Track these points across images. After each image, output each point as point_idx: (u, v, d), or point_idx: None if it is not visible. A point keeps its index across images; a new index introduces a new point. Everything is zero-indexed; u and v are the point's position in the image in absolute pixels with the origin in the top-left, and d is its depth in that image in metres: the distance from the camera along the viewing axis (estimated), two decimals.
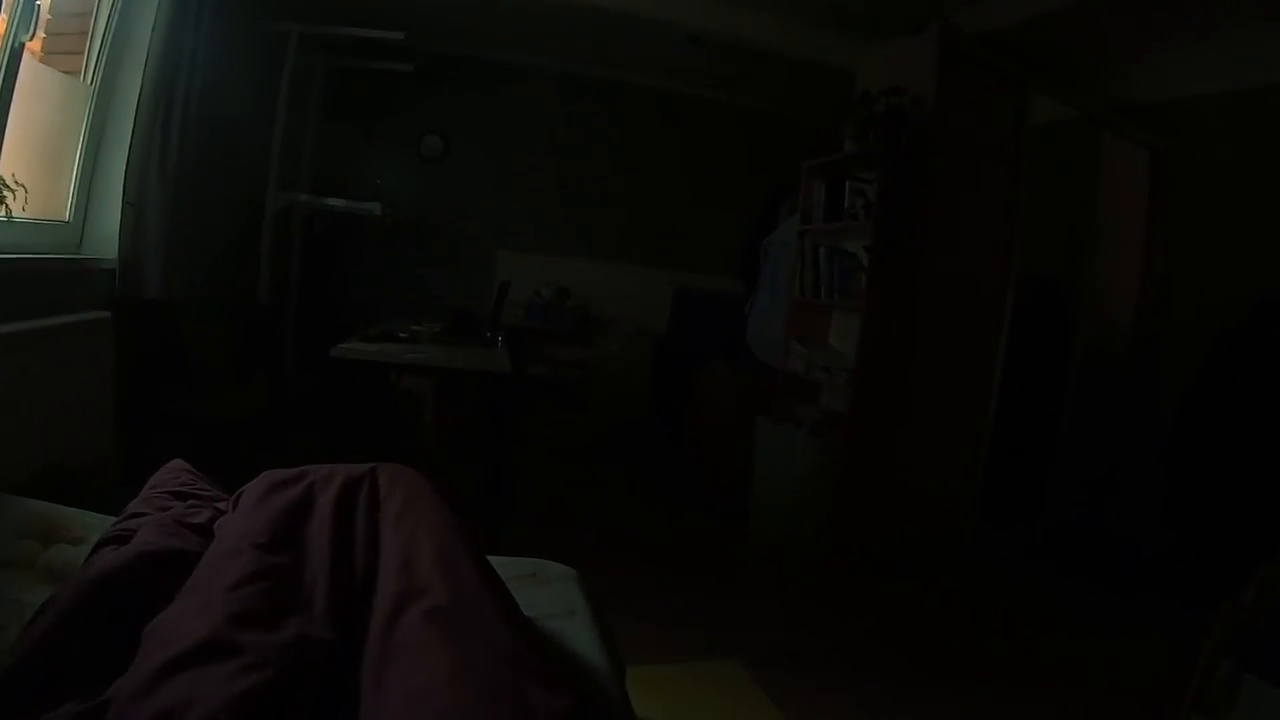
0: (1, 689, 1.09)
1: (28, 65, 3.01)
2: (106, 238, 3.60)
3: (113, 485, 3.05)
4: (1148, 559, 4.40)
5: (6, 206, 2.87)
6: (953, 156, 4.24)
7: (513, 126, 6.87)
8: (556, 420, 6.43)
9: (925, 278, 4.22)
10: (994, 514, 4.71)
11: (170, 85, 3.70)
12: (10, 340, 2.63)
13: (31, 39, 3.00)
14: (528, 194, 6.93)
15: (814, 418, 4.56)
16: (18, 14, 2.85)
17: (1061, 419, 5.02)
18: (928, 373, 4.32)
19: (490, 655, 1.12)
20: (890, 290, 4.15)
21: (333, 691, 1.10)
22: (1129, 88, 5.13)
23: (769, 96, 6.96)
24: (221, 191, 4.63)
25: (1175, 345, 4.87)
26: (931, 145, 4.14)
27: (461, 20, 5.91)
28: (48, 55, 3.35)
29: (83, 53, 3.55)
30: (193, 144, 3.94)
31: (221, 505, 1.69)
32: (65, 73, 3.49)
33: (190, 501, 1.74)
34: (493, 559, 1.51)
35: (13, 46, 2.86)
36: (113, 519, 1.77)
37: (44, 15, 3.15)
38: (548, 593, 1.86)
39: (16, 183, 2.89)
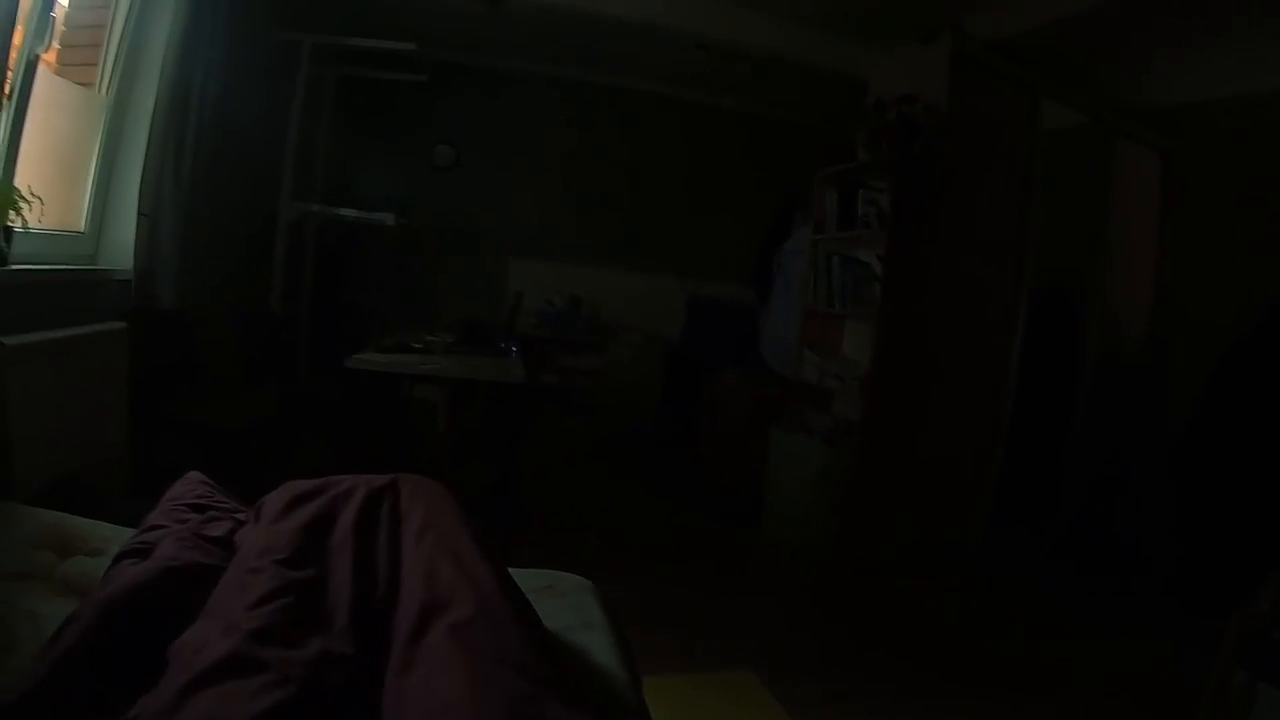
0: (26, 708, 1.08)
1: (43, 77, 3.03)
2: (121, 248, 3.61)
3: (126, 493, 3.07)
4: (1158, 565, 4.38)
5: (23, 218, 2.88)
6: (965, 163, 4.23)
7: (524, 135, 6.89)
8: (567, 428, 6.43)
9: (938, 285, 4.21)
10: (1006, 520, 4.68)
11: (184, 96, 3.72)
12: (27, 351, 2.63)
13: (47, 51, 3.02)
14: (539, 202, 6.94)
15: (827, 426, 4.55)
16: (33, 26, 2.87)
17: (1074, 424, 5.00)
18: (941, 380, 4.31)
19: (510, 671, 1.11)
20: (903, 298, 4.14)
21: (356, 708, 1.10)
22: (1140, 93, 5.12)
23: (780, 103, 6.95)
24: (235, 201, 4.65)
25: (1187, 350, 4.84)
26: (944, 152, 4.13)
27: (472, 30, 5.92)
28: (63, 67, 3.37)
29: (98, 64, 3.57)
30: (206, 154, 3.96)
31: (241, 517, 1.68)
32: (80, 84, 3.51)
33: (209, 513, 1.74)
34: (509, 572, 1.51)
35: (28, 58, 2.88)
36: (129, 531, 1.77)
37: (59, 27, 3.16)
38: (565, 605, 1.84)
39: (33, 194, 2.90)
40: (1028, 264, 4.54)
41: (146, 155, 3.55)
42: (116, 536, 1.84)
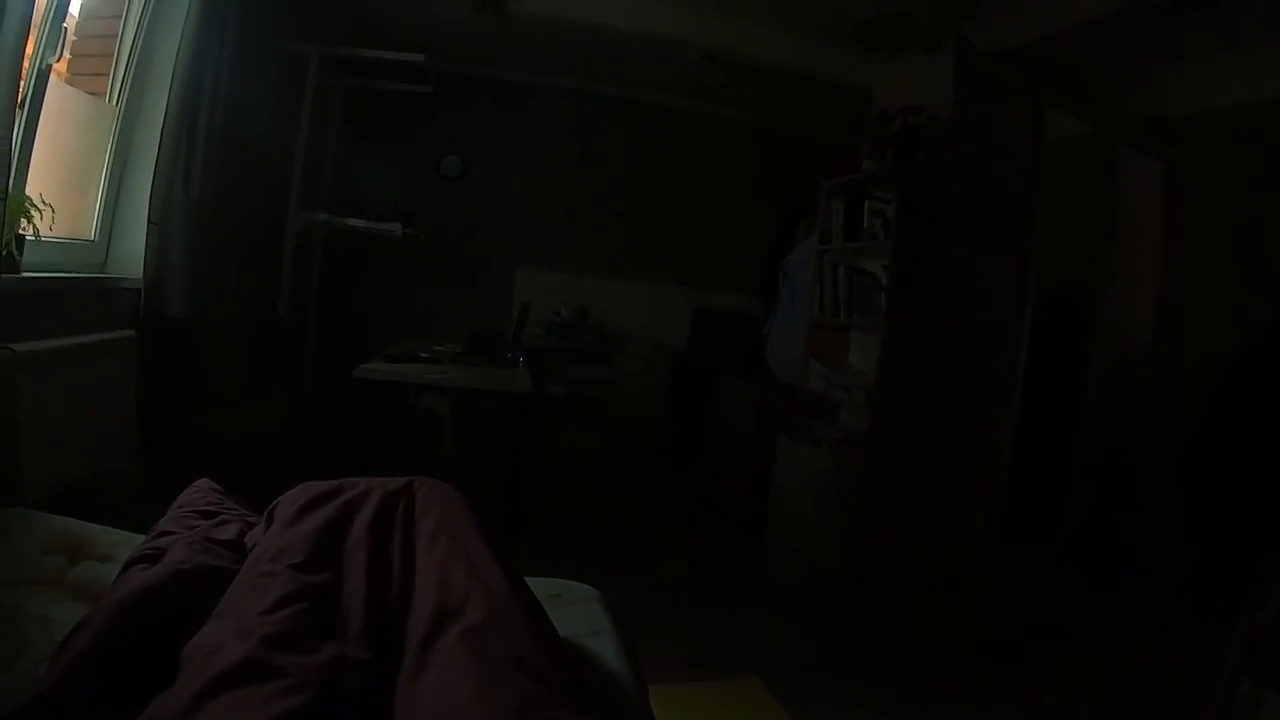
0: (38, 711, 1.09)
1: (54, 87, 3.05)
2: (131, 257, 3.63)
3: (135, 500, 3.08)
4: (1166, 571, 4.37)
5: (34, 226, 2.90)
6: (970, 173, 4.23)
7: (531, 145, 6.92)
8: (574, 438, 6.43)
9: (944, 295, 4.21)
10: (1014, 529, 4.67)
11: (194, 106, 3.74)
12: (38, 358, 2.65)
13: (58, 61, 3.03)
14: (546, 212, 6.97)
15: (833, 436, 4.55)
16: (45, 36, 2.89)
17: (1080, 432, 4.99)
18: (947, 390, 4.30)
19: (522, 674, 1.12)
20: (909, 308, 4.14)
21: (370, 712, 1.10)
22: (1144, 101, 5.13)
23: (785, 114, 6.98)
24: (243, 211, 4.67)
25: (1193, 358, 4.83)
26: (949, 163, 4.13)
27: (479, 41, 5.95)
28: (74, 77, 3.40)
29: (108, 74, 3.60)
30: (216, 164, 3.98)
31: (251, 519, 1.69)
32: (91, 94, 3.53)
33: (219, 517, 1.75)
34: None
35: (40, 68, 2.90)
36: (139, 536, 1.78)
37: (70, 38, 3.18)
38: (572, 613, 1.85)
39: (44, 202, 2.92)
40: (1032, 272, 4.54)
41: (156, 164, 3.56)
42: (126, 542, 1.85)
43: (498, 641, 1.18)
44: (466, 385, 4.11)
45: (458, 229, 6.70)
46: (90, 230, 3.58)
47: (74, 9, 3.16)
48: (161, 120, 3.58)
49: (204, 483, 1.99)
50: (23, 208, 2.82)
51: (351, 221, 5.65)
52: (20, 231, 2.81)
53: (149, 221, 3.56)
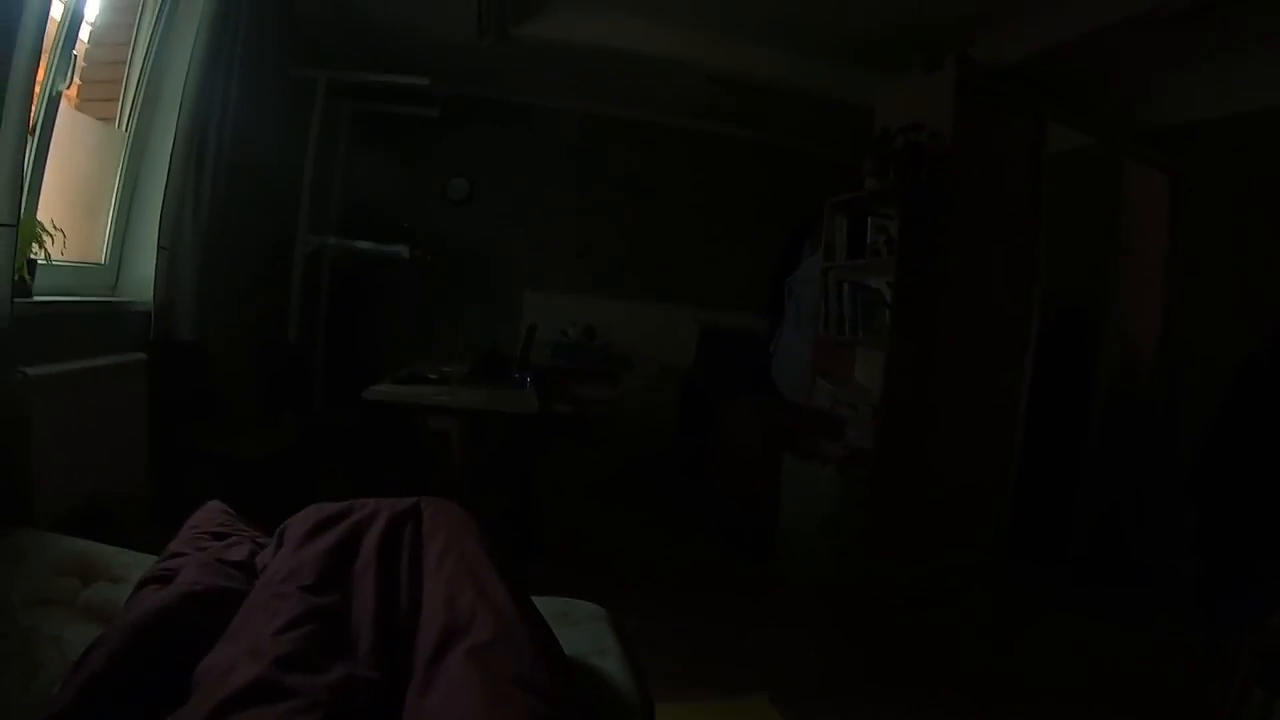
0: None
1: (65, 113, 3.08)
2: (141, 280, 3.66)
3: (145, 522, 3.10)
4: (1177, 584, 4.35)
5: (45, 250, 2.94)
6: (973, 189, 4.25)
7: (537, 167, 6.95)
8: (581, 457, 6.43)
9: (949, 311, 4.21)
10: (1021, 543, 4.66)
11: (203, 131, 3.78)
12: (49, 381, 2.67)
13: (69, 87, 3.07)
14: (553, 234, 7.00)
15: (840, 453, 4.53)
16: (55, 63, 2.93)
17: (1088, 445, 4.98)
18: (953, 406, 4.30)
19: (527, 693, 1.13)
20: (914, 325, 4.15)
21: None
22: (1146, 113, 5.14)
23: (789, 132, 7.00)
24: (252, 234, 4.71)
25: (1200, 370, 4.81)
26: (951, 179, 4.15)
27: (484, 65, 6.00)
28: (84, 103, 3.45)
29: (118, 100, 3.64)
30: (224, 188, 4.01)
31: (261, 541, 1.70)
32: (101, 120, 3.58)
33: (229, 539, 1.76)
34: None
35: (50, 95, 2.94)
36: (151, 558, 1.80)
37: (80, 64, 3.22)
38: (578, 632, 1.85)
39: (55, 227, 2.95)
40: (1038, 286, 4.55)
41: (166, 189, 3.59)
42: (138, 564, 1.86)
43: (504, 660, 1.19)
44: (474, 406, 4.13)
45: (465, 251, 6.71)
46: (101, 254, 3.61)
47: (84, 35, 3.20)
48: (171, 145, 3.61)
49: (215, 505, 2.01)
50: (35, 232, 2.85)
51: (359, 244, 5.69)
52: (32, 256, 2.85)
53: (159, 245, 3.59)
